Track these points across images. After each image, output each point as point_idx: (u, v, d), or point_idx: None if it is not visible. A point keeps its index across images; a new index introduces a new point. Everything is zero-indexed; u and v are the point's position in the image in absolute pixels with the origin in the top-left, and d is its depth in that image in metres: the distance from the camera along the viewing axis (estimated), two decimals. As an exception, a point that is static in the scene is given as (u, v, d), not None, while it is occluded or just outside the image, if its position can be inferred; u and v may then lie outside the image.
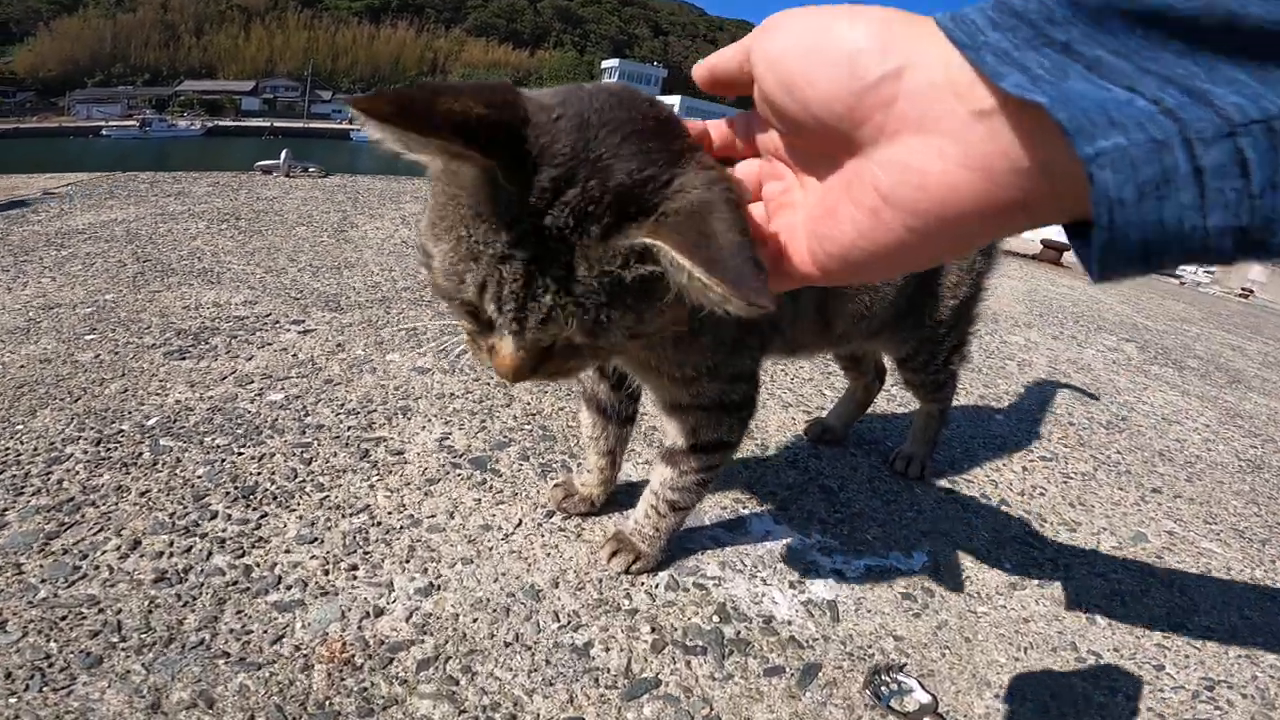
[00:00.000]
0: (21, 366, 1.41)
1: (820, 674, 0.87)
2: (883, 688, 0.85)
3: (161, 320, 1.71)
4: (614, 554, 0.99)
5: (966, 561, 1.15)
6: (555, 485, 1.13)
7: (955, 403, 1.84)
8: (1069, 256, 7.26)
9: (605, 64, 70.12)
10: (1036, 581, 1.13)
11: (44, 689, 0.74)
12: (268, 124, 59.12)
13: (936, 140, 0.28)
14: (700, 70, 0.40)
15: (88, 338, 1.57)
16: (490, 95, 0.42)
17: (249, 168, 4.73)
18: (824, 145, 0.34)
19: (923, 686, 0.86)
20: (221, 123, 58.07)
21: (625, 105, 0.45)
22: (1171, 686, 0.95)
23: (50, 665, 0.78)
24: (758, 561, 1.06)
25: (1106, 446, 1.76)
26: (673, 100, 60.09)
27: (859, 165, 0.32)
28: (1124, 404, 2.15)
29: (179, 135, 48.70)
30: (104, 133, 46.48)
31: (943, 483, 1.41)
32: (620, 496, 1.14)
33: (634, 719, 0.77)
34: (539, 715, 0.76)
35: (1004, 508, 1.35)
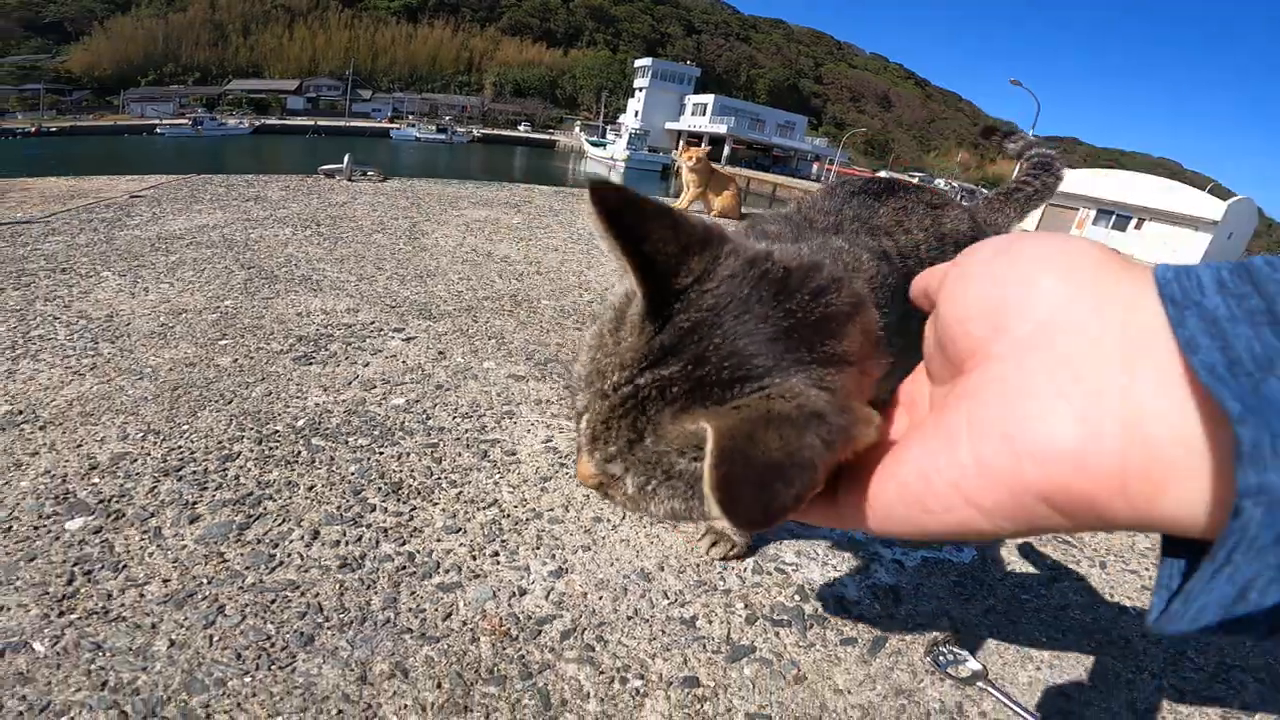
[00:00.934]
0: (170, 369, 1.60)
1: (887, 644, 1.03)
2: (940, 657, 1.01)
3: (282, 327, 1.92)
4: (713, 544, 1.15)
5: (1011, 556, 1.30)
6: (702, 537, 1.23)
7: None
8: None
9: (639, 63, 70.05)
10: (1075, 575, 1.28)
11: (272, 667, 0.85)
12: (311, 123, 60.80)
13: (1053, 374, 0.23)
14: (915, 285, 0.38)
15: (221, 343, 1.78)
16: (694, 239, 0.45)
17: (307, 169, 5.01)
18: (951, 370, 0.30)
19: (974, 657, 1.02)
20: (268, 121, 59.93)
21: (784, 292, 0.45)
22: (1192, 668, 1.09)
23: (272, 645, 0.89)
24: (828, 551, 1.23)
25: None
26: (706, 100, 59.88)
27: (954, 387, 0.28)
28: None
29: (229, 133, 50.46)
30: (158, 131, 48.26)
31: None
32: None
33: (737, 677, 0.94)
34: (662, 675, 0.92)
35: (1046, 510, 1.49)
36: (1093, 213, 25.19)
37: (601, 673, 0.91)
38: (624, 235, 0.43)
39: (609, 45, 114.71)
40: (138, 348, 1.70)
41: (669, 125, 59.77)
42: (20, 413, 1.35)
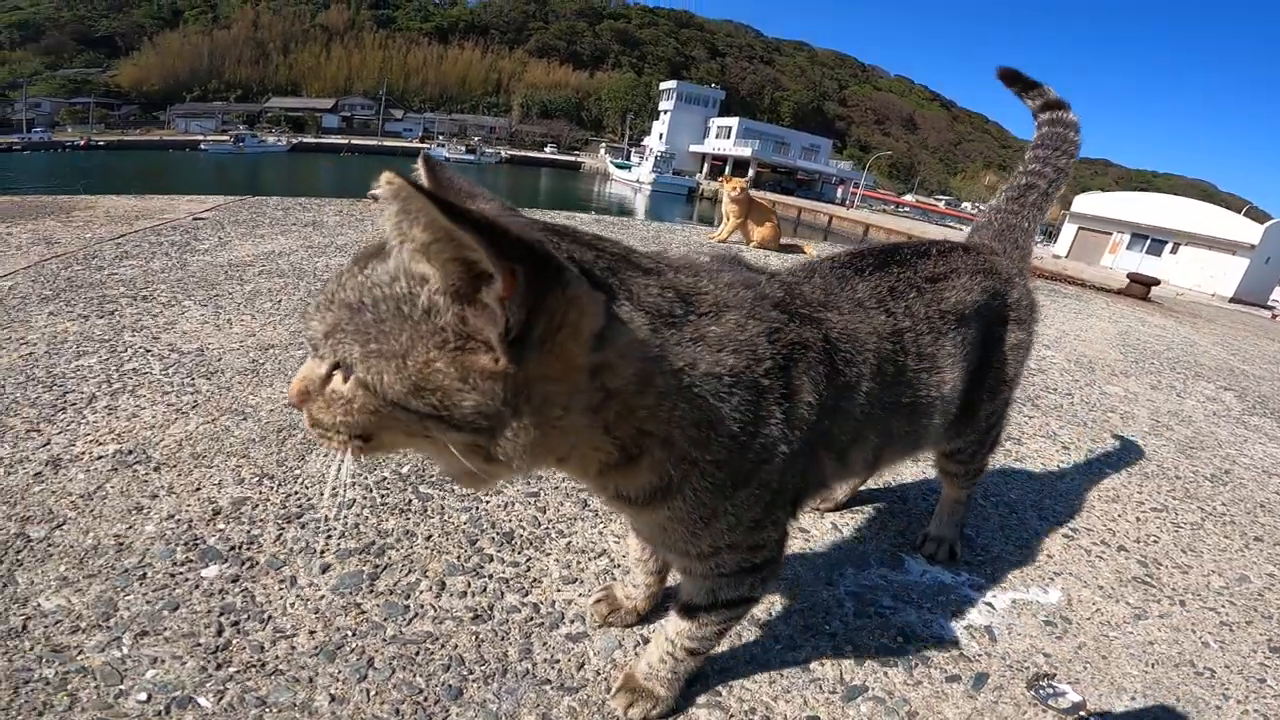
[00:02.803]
0: (270, 410, 1.62)
1: (989, 680, 1.12)
2: (1041, 690, 1.10)
3: None
4: (630, 704, 0.93)
5: (1095, 597, 1.38)
6: (597, 600, 1.11)
7: (1068, 459, 2.05)
8: (1158, 291, 7.13)
9: (663, 85, 70.85)
10: (1157, 613, 1.36)
11: None
12: (346, 141, 62.41)
13: None
14: None
15: None
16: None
17: (341, 189, 5.16)
18: None
19: (1073, 690, 1.10)
20: (305, 139, 61.51)
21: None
22: (1273, 695, 1.17)
23: (424, 699, 0.90)
24: (921, 595, 1.32)
25: (1212, 499, 1.94)
26: (730, 122, 60.09)
27: None
28: (1226, 457, 2.30)
29: (268, 150, 51.73)
30: (202, 147, 49.64)
31: (1065, 531, 1.63)
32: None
33: (855, 715, 1.01)
34: (786, 716, 0.98)
35: (1122, 553, 1.56)
36: (1127, 237, 24.83)
37: (730, 715, 0.96)
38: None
39: (634, 68, 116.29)
40: (234, 385, 1.73)
41: (694, 148, 60.07)
42: (131, 452, 1.38)
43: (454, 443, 0.56)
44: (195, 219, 3.67)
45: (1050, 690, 1.10)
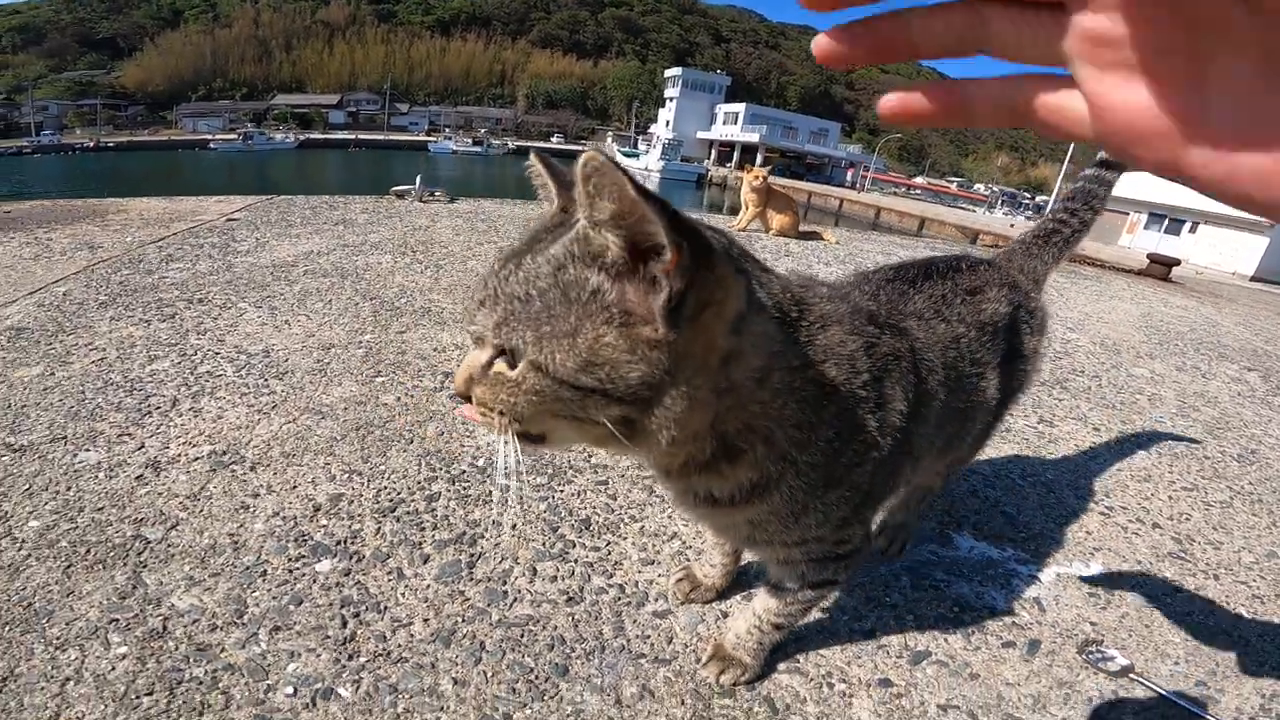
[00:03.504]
0: (345, 408, 1.68)
1: (1042, 646, 1.20)
2: (1092, 655, 1.18)
3: (425, 363, 2.01)
4: (721, 671, 1.03)
5: (1134, 570, 1.46)
6: (679, 579, 1.20)
7: (1099, 440, 2.12)
8: (1178, 271, 7.10)
9: (669, 73, 70.30)
10: (1193, 587, 1.43)
11: (544, 698, 0.94)
12: (352, 136, 62.62)
13: None
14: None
15: (379, 380, 1.86)
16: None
17: (349, 184, 5.23)
18: None
19: (1121, 655, 1.18)
20: (313, 136, 61.63)
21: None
22: (1304, 663, 1.25)
23: (536, 677, 0.96)
24: (971, 569, 1.40)
25: (1240, 478, 2.01)
26: (737, 108, 59.70)
27: None
28: (1252, 437, 2.36)
29: (276, 148, 51.83)
30: (211, 146, 49.96)
31: (1101, 509, 1.71)
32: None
33: (922, 677, 1.10)
34: (860, 679, 1.07)
35: (1156, 530, 1.64)
36: (1144, 217, 24.54)
37: (810, 680, 1.06)
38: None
39: (638, 55, 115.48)
40: (306, 385, 1.79)
41: (701, 134, 59.61)
42: (225, 453, 1.45)
43: (610, 418, 0.59)
44: (228, 220, 3.71)
45: (1100, 655, 1.18)
